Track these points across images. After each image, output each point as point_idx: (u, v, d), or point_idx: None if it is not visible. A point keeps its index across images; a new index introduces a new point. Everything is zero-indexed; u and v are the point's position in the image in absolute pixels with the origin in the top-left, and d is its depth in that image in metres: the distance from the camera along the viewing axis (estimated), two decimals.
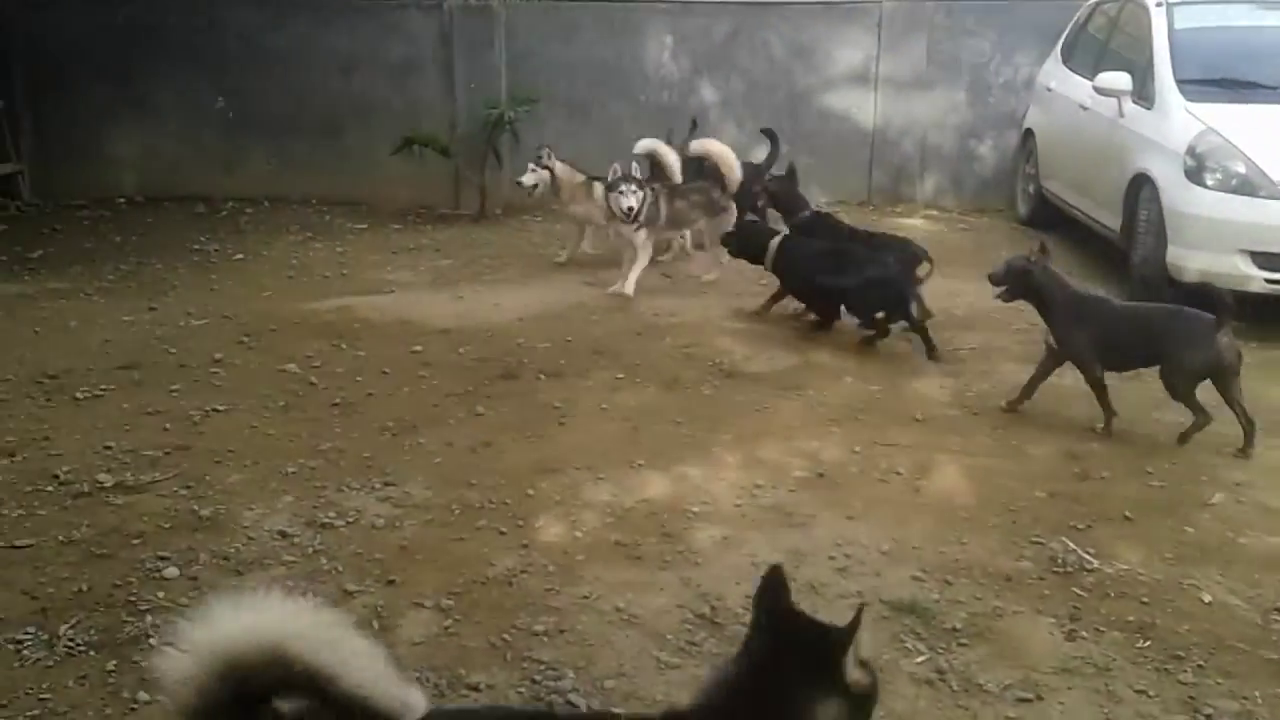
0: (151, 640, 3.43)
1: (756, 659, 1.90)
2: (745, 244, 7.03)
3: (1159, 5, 7.95)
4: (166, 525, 4.19)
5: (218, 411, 5.29)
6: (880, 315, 6.31)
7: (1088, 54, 8.99)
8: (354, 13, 9.93)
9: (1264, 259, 6.58)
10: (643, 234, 7.35)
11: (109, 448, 4.84)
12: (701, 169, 7.91)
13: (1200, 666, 3.43)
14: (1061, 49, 9.45)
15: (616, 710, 2.97)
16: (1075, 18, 9.49)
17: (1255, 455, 4.99)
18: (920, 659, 3.44)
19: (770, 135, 8.62)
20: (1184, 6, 7.93)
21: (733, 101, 10.25)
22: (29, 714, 3.10)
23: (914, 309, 6.22)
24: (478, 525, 4.25)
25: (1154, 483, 4.73)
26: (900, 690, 3.28)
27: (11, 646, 3.40)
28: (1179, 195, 6.87)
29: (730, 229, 7.36)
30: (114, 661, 3.34)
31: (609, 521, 4.31)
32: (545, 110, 9.79)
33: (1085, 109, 8.37)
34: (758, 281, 7.25)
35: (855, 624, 1.86)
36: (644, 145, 8.05)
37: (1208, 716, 3.19)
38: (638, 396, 5.61)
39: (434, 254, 8.43)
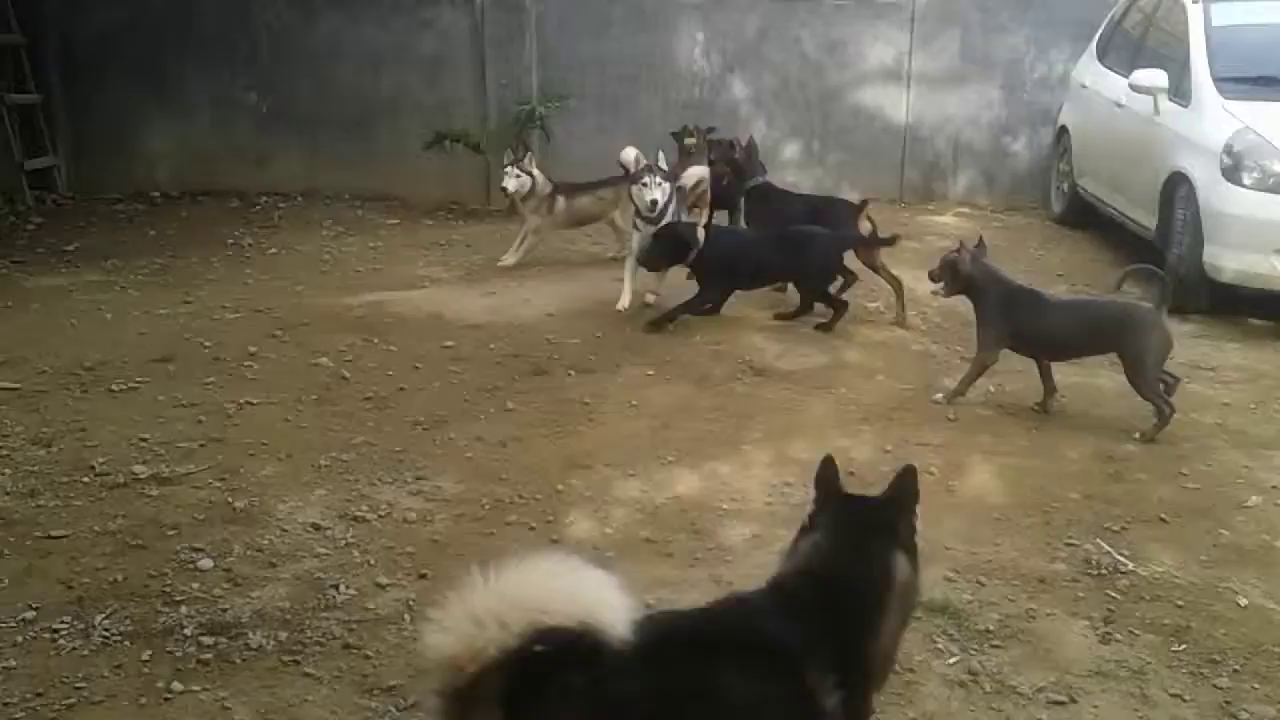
0: (186, 631, 3.47)
1: (836, 529, 2.35)
2: (664, 249, 6.53)
3: (1196, 2, 7.89)
4: (201, 517, 4.22)
5: (251, 404, 5.33)
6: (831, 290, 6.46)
7: (1123, 51, 8.92)
8: (386, 9, 9.98)
9: None
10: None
11: (144, 439, 4.88)
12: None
13: (1236, 671, 3.39)
14: (1096, 45, 9.38)
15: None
16: (1111, 14, 9.42)
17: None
18: (952, 660, 3.42)
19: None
20: (1221, 3, 7.86)
21: (764, 98, 10.23)
22: (65, 702, 3.14)
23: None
24: (508, 520, 4.26)
25: (1189, 485, 4.69)
26: (932, 691, 3.27)
27: (48, 636, 3.44)
28: (1216, 194, 6.81)
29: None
30: (149, 651, 3.37)
31: (639, 518, 4.31)
32: (575, 106, 9.81)
33: (1121, 106, 8.30)
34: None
35: (911, 490, 2.39)
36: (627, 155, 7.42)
37: None
38: (668, 393, 5.61)
39: (465, 249, 8.45)
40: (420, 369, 5.84)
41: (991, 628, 3.60)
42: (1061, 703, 3.23)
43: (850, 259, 6.73)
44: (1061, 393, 5.52)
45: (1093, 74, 9.20)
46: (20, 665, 3.29)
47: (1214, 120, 7.09)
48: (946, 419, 5.33)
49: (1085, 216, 9.17)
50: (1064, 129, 9.66)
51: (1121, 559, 4.04)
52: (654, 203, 6.67)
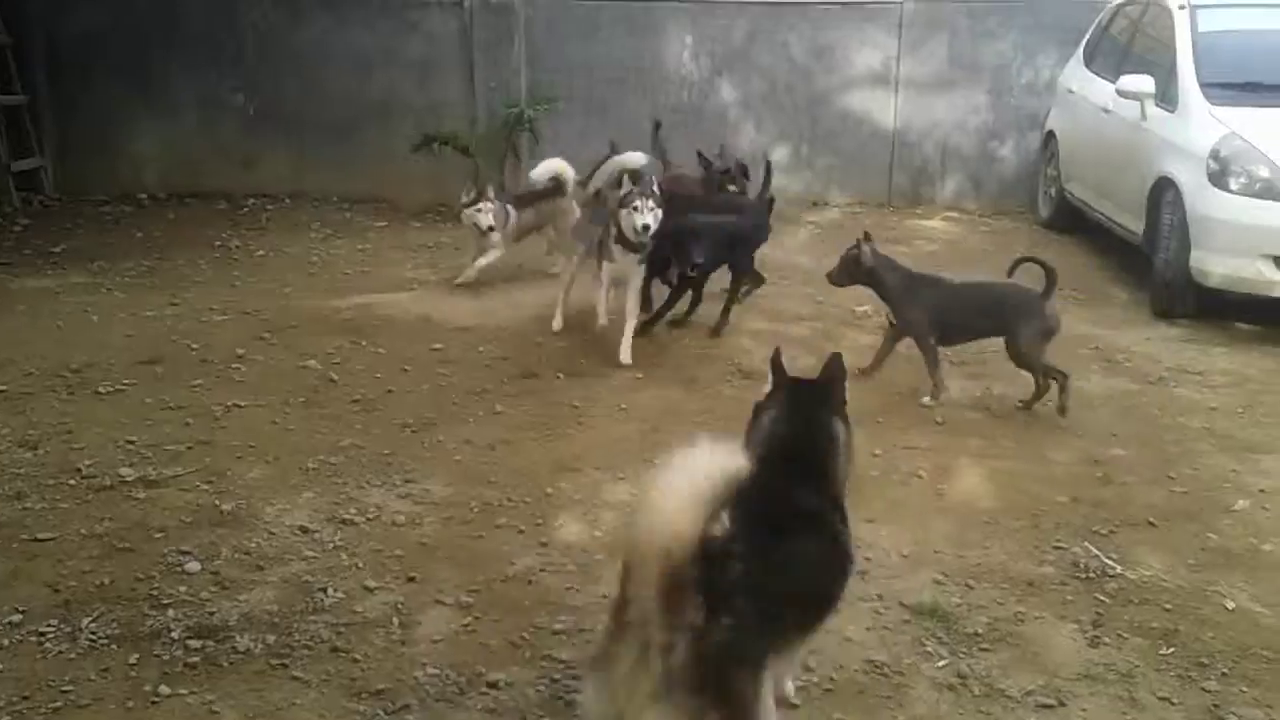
0: (173, 634, 3.45)
1: (789, 405, 2.96)
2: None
3: (1182, 8, 7.91)
4: (188, 520, 4.21)
5: (239, 407, 5.31)
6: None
7: (1110, 56, 8.95)
8: (374, 11, 9.98)
9: None
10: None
11: (131, 442, 4.86)
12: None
13: (1224, 674, 3.40)
14: (1084, 51, 9.41)
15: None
16: (1097, 20, 9.45)
17: (1272, 461, 4.97)
18: (941, 663, 3.42)
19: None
20: (1207, 9, 7.89)
21: (752, 102, 10.25)
22: (51, 706, 3.12)
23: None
24: (497, 523, 4.25)
25: (1177, 488, 4.70)
26: (921, 695, 3.27)
27: (34, 639, 3.41)
28: (1202, 199, 6.83)
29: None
30: (136, 655, 3.35)
31: (628, 521, 4.30)
32: (564, 109, 9.82)
33: (1108, 112, 8.33)
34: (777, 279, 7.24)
35: (839, 372, 3.07)
36: (546, 167, 7.26)
37: None
38: (657, 396, 5.61)
39: (454, 252, 8.42)
40: (408, 371, 5.83)
41: (980, 631, 3.60)
42: (1050, 706, 3.23)
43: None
44: (1050, 396, 5.53)
45: (1080, 79, 9.24)
46: (7, 669, 3.27)
47: (1200, 125, 7.12)
48: (935, 422, 5.34)
49: (1072, 221, 9.19)
50: (1051, 134, 9.70)
51: (1109, 562, 4.05)
52: (645, 228, 5.86)
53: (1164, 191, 7.24)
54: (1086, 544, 4.17)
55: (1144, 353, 6.44)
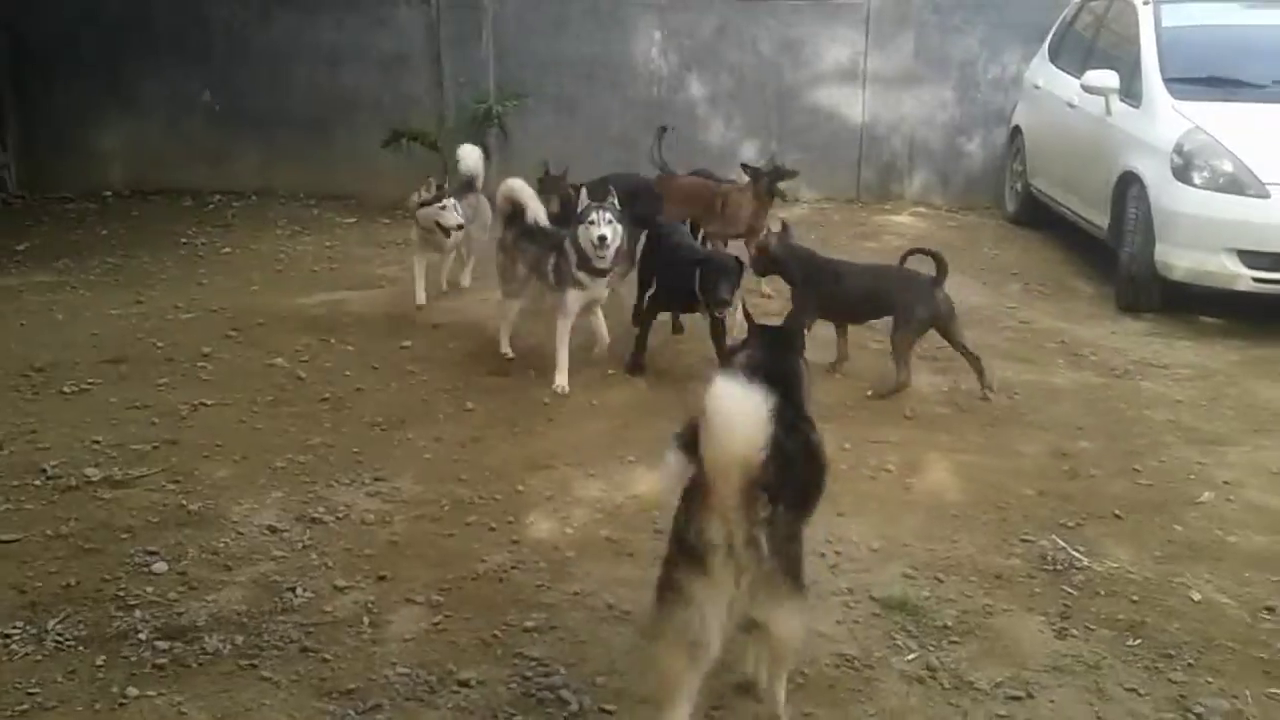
0: (141, 635, 3.43)
1: (761, 346, 3.57)
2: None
3: (1146, 3, 7.98)
4: (155, 520, 4.18)
5: (205, 406, 5.28)
6: None
7: (1075, 52, 9.01)
8: (342, 7, 9.91)
9: (1251, 257, 6.60)
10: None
11: (96, 442, 4.81)
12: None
13: (1190, 665, 3.44)
14: (1049, 46, 9.48)
15: None
16: (1063, 15, 9.52)
17: (1236, 453, 5.03)
18: (911, 656, 3.44)
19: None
20: (1171, 5, 7.96)
21: (720, 98, 10.25)
22: (18, 708, 3.09)
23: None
24: (468, 521, 4.24)
25: (1143, 481, 4.75)
26: (891, 687, 3.29)
27: (0, 641, 3.38)
28: (1167, 193, 6.90)
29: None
30: (103, 656, 3.33)
31: (599, 517, 4.30)
32: (533, 104, 9.81)
33: (1073, 107, 8.39)
34: None
35: (797, 325, 3.83)
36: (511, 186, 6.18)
37: (1198, 715, 3.19)
38: (627, 392, 5.61)
39: None
40: (378, 369, 5.81)
41: (949, 624, 3.62)
42: (1019, 698, 3.25)
43: None
44: (1017, 390, 5.58)
45: (1045, 75, 9.30)
46: None
47: (1164, 120, 7.18)
48: (904, 416, 5.37)
49: (1039, 216, 9.26)
50: (1017, 129, 9.75)
51: (1077, 555, 4.08)
52: (602, 239, 5.44)
53: (1129, 186, 7.30)
54: (1054, 536, 4.21)
55: (1109, 346, 6.50)
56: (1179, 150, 6.88)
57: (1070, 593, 3.85)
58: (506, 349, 6.00)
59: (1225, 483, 4.74)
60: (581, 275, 5.57)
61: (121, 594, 3.67)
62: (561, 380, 5.56)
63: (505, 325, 6.05)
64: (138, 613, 3.56)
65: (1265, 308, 6.72)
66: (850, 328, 5.98)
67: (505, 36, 9.95)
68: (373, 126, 9.54)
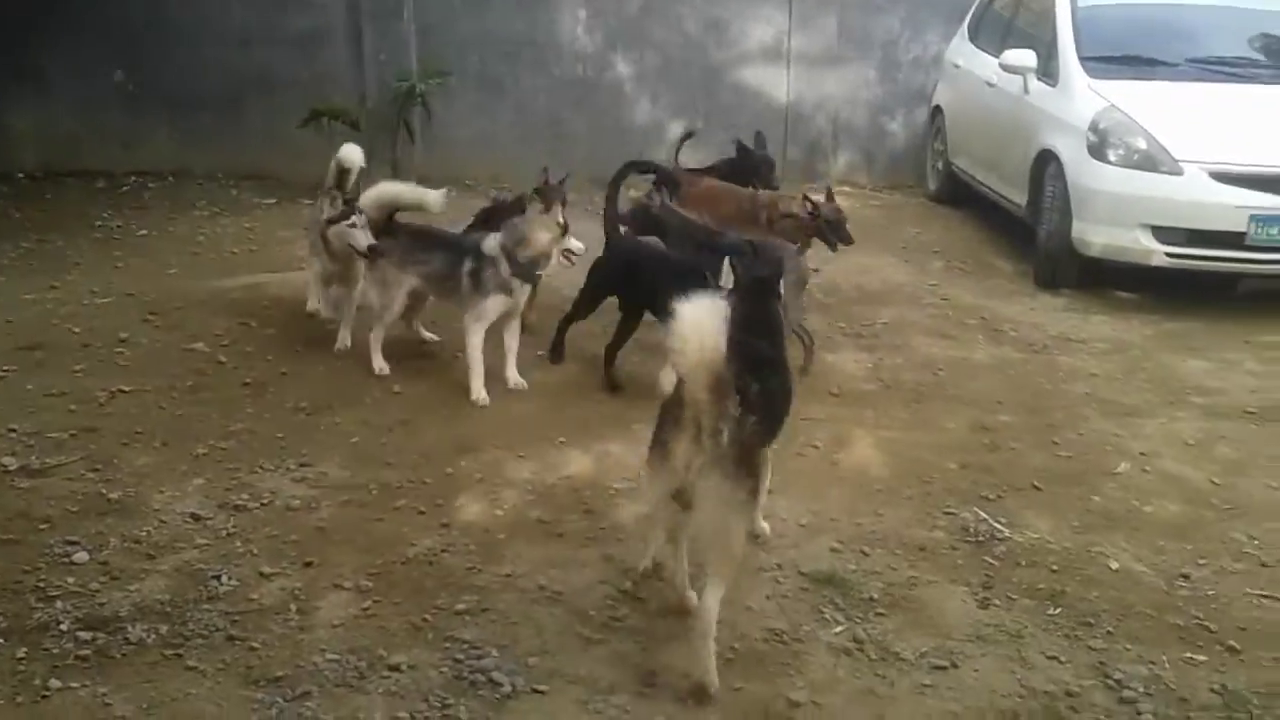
0: (63, 626, 3.36)
1: (743, 298, 3.86)
2: None
3: None
4: (74, 509, 4.09)
5: (124, 392, 5.17)
6: None
7: (994, 31, 9.14)
8: None
9: (1165, 233, 6.77)
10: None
11: (12, 430, 4.70)
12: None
13: (1109, 632, 3.54)
14: (969, 26, 9.60)
15: None
16: None
17: (1152, 425, 5.16)
18: (838, 629, 3.50)
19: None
20: None
21: (647, 77, 10.21)
22: None
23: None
24: (396, 505, 4.22)
25: (1061, 453, 4.86)
26: (819, 660, 3.34)
27: None
28: (1083, 171, 7.04)
29: None
30: (24, 649, 3.26)
31: (530, 499, 4.30)
32: (456, 84, 9.67)
33: (992, 86, 8.52)
34: None
35: (774, 273, 4.19)
36: (380, 191, 5.81)
37: (1117, 681, 3.29)
38: (557, 373, 5.60)
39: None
40: (301, 353, 5.73)
41: (875, 596, 3.69)
42: (943, 667, 3.33)
43: None
44: (940, 366, 5.66)
45: (965, 54, 9.42)
46: None
47: (1081, 99, 7.32)
48: (830, 394, 5.43)
49: (959, 194, 9.39)
50: (938, 108, 9.87)
51: (998, 526, 4.17)
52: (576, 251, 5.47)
53: (1046, 164, 7.44)
54: (975, 509, 4.30)
55: (1029, 322, 6.63)
56: (1094, 128, 7.02)
57: (992, 563, 3.93)
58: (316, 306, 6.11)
59: (1141, 454, 4.87)
60: (515, 281, 5.28)
61: (42, 585, 3.59)
62: (478, 391, 5.23)
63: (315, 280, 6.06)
64: (59, 604, 3.49)
65: (1178, 283, 6.90)
66: None
67: (427, 12, 9.78)
68: (292, 105, 9.32)
